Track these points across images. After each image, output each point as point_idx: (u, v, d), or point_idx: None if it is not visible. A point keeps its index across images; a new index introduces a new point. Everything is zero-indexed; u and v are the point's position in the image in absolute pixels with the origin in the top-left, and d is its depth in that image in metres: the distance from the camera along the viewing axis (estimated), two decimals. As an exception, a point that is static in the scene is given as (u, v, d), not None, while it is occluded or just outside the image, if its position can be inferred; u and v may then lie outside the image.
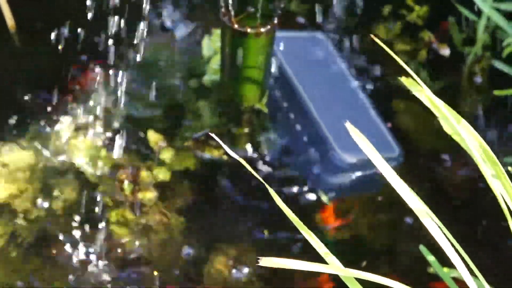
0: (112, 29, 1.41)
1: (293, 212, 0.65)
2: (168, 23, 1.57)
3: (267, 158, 1.39)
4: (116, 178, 1.32)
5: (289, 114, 1.40)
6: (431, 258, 0.97)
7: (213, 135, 0.62)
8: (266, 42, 1.24)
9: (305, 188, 1.35)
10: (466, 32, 1.56)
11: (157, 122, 1.41)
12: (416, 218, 0.66)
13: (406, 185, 0.65)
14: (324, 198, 1.33)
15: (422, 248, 0.99)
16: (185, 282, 1.23)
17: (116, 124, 1.39)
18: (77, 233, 1.26)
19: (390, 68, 1.54)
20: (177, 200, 1.32)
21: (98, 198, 1.30)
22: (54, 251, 1.24)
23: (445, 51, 1.56)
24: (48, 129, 1.38)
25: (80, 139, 1.37)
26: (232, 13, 1.21)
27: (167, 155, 1.37)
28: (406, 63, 1.54)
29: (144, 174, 1.33)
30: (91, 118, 1.40)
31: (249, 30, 1.21)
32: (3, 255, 1.23)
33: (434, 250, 0.96)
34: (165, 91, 1.47)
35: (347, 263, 0.70)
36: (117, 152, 1.36)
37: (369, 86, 1.48)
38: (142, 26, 1.53)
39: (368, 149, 0.63)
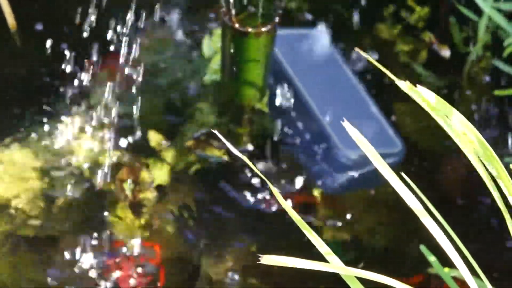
0: (111, 29, 1.42)
1: (296, 210, 0.65)
2: (168, 21, 1.57)
3: (269, 157, 1.39)
4: (117, 178, 1.32)
5: (290, 112, 1.40)
6: (431, 258, 0.97)
7: (216, 132, 0.62)
8: (267, 41, 1.24)
9: (309, 185, 1.36)
10: (466, 32, 1.56)
11: (158, 122, 1.41)
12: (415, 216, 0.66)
13: (403, 183, 0.65)
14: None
15: (423, 248, 0.99)
16: (185, 281, 1.23)
17: (117, 124, 1.39)
18: (77, 233, 1.26)
19: (391, 67, 1.54)
20: (178, 200, 1.32)
21: (98, 198, 1.30)
22: (54, 251, 1.24)
23: (446, 52, 1.56)
24: (49, 129, 1.39)
25: (81, 138, 1.37)
26: (233, 12, 1.21)
27: (167, 154, 1.37)
28: (407, 63, 1.55)
29: (144, 174, 1.33)
30: (92, 118, 1.40)
31: (249, 29, 1.21)
32: (4, 255, 1.24)
33: (434, 248, 0.96)
34: (166, 91, 1.47)
35: (348, 261, 0.70)
36: (118, 152, 1.36)
37: (369, 84, 1.48)
38: (142, 25, 1.54)
39: (366, 146, 0.63)
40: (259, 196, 1.33)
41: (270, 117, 1.42)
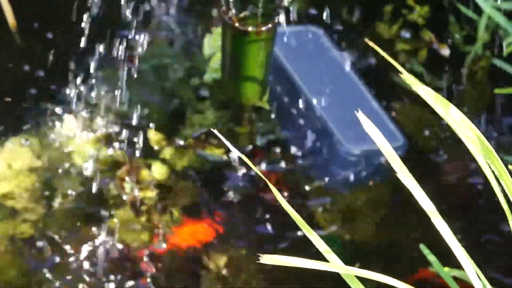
0: (111, 29, 1.42)
1: (299, 208, 0.65)
2: (169, 20, 1.58)
3: (271, 154, 1.39)
4: (117, 176, 1.32)
5: (291, 109, 1.40)
6: (431, 257, 0.97)
7: (215, 131, 0.62)
8: (267, 40, 1.24)
9: (312, 182, 1.36)
10: (466, 30, 1.56)
11: (158, 121, 1.41)
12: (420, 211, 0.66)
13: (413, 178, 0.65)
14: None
15: (422, 247, 0.99)
16: (186, 281, 1.23)
17: (117, 123, 1.40)
18: (77, 231, 1.26)
19: (389, 65, 1.54)
20: (178, 199, 1.32)
21: (99, 196, 1.30)
22: (54, 250, 1.24)
23: (445, 51, 1.56)
24: (49, 128, 1.39)
25: (81, 137, 1.37)
26: (233, 11, 1.21)
27: (167, 153, 1.37)
28: (406, 61, 1.54)
29: (144, 172, 1.33)
30: (92, 116, 1.40)
31: (250, 28, 1.21)
32: (3, 254, 1.24)
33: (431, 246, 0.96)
34: (166, 90, 1.47)
35: (348, 260, 0.70)
36: (118, 151, 1.36)
37: (369, 82, 1.48)
38: (142, 24, 1.54)
39: (379, 139, 0.63)
40: (259, 194, 1.33)
41: (271, 114, 1.42)
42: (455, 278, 0.95)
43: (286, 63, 1.41)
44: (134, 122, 1.39)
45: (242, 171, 1.36)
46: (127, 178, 1.32)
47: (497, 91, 1.41)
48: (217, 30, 1.47)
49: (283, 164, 1.38)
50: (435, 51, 1.56)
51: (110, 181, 1.32)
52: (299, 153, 1.39)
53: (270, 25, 1.22)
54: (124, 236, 1.26)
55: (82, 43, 1.42)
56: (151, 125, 1.39)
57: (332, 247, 0.67)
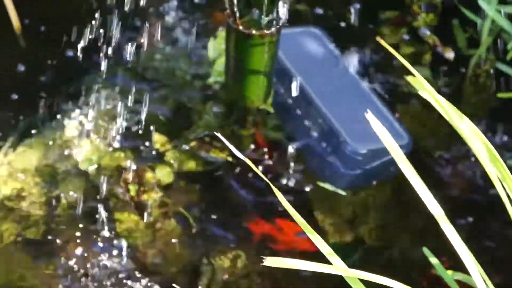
0: (115, 32, 1.42)
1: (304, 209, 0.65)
2: (173, 23, 1.58)
3: (276, 155, 1.39)
4: (122, 179, 1.32)
5: (296, 110, 1.40)
6: (434, 260, 0.97)
7: (219, 134, 0.62)
8: (271, 43, 1.24)
9: (318, 182, 1.35)
10: (470, 34, 1.56)
11: (162, 124, 1.41)
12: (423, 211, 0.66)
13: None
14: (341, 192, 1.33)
15: (425, 250, 0.99)
16: (188, 282, 1.23)
17: (121, 126, 1.39)
18: (82, 233, 1.26)
19: (395, 70, 1.54)
20: (181, 201, 1.32)
21: (104, 198, 1.30)
22: (58, 252, 1.24)
23: (450, 54, 1.56)
24: (53, 130, 1.39)
25: (86, 140, 1.37)
26: (237, 15, 1.21)
27: (171, 156, 1.37)
28: (411, 65, 1.54)
29: (148, 175, 1.33)
30: (96, 120, 1.40)
31: (254, 32, 1.21)
32: (7, 255, 1.24)
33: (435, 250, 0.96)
34: (170, 93, 1.47)
35: (351, 262, 0.70)
36: (123, 153, 1.36)
37: (372, 84, 1.48)
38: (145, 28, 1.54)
39: (387, 139, 0.63)
40: (263, 196, 1.33)
41: (276, 116, 1.42)
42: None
43: (288, 64, 1.41)
44: (139, 125, 1.39)
45: (246, 173, 1.36)
46: (131, 180, 1.32)
47: (500, 95, 1.41)
48: (222, 34, 1.47)
49: (287, 165, 1.38)
50: (439, 55, 1.56)
51: (115, 183, 1.32)
52: (304, 153, 1.39)
53: (273, 29, 1.22)
54: (128, 237, 1.26)
55: (86, 45, 1.42)
56: (156, 127, 1.40)
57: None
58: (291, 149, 1.39)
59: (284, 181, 1.35)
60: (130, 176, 1.32)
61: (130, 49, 1.46)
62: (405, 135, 1.34)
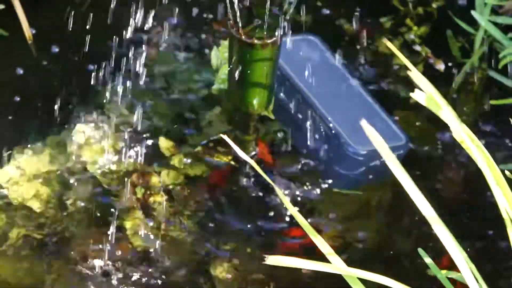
0: (122, 41, 1.42)
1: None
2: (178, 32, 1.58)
3: (280, 159, 1.40)
4: (129, 182, 1.32)
5: (297, 114, 1.41)
6: (428, 260, 0.97)
7: (225, 137, 0.63)
8: (272, 52, 1.24)
9: (321, 183, 1.36)
10: (464, 43, 1.56)
11: (168, 129, 1.41)
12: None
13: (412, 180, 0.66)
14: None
15: (420, 251, 0.99)
16: (194, 284, 1.23)
17: (128, 131, 1.40)
18: (90, 235, 1.26)
19: (391, 77, 1.55)
20: (187, 204, 1.32)
21: (111, 201, 1.30)
22: (68, 254, 1.24)
23: (441, 66, 1.56)
24: (63, 135, 1.39)
25: (94, 144, 1.37)
26: (240, 24, 1.21)
27: (177, 160, 1.37)
28: (404, 75, 1.55)
29: (155, 178, 1.34)
30: (104, 125, 1.40)
31: (256, 41, 1.21)
32: (17, 256, 1.24)
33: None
34: (175, 100, 1.47)
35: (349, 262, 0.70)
36: (130, 158, 1.36)
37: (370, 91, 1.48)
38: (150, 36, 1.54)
39: (381, 145, 0.65)
40: (267, 200, 1.34)
41: (277, 121, 1.42)
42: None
43: (288, 70, 1.41)
44: (145, 130, 1.39)
45: (249, 176, 1.36)
46: (138, 184, 1.33)
47: (492, 102, 1.42)
48: (224, 43, 1.47)
49: (290, 167, 1.39)
50: (431, 66, 1.57)
51: (122, 186, 1.32)
52: (306, 155, 1.40)
53: (275, 38, 1.22)
54: (134, 239, 1.27)
55: (95, 54, 1.42)
56: (162, 133, 1.40)
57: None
58: (293, 152, 1.40)
59: (287, 184, 1.36)
60: (137, 180, 1.33)
61: (137, 57, 1.46)
62: (402, 135, 1.35)
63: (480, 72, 1.51)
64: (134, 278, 1.22)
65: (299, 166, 1.39)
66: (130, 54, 1.45)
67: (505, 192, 0.67)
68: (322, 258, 0.73)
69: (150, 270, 1.24)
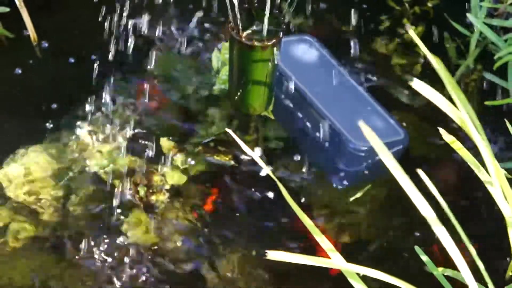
0: (126, 42, 1.42)
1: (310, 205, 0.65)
2: (180, 35, 1.58)
3: (281, 157, 1.40)
4: (131, 181, 1.33)
5: (297, 113, 1.41)
6: (425, 257, 0.97)
7: (230, 131, 0.63)
8: (272, 54, 1.24)
9: (324, 179, 1.37)
10: (458, 44, 1.57)
11: (170, 129, 1.41)
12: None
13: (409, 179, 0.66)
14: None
15: (417, 248, 0.99)
16: (195, 281, 1.23)
17: (131, 132, 1.40)
18: (92, 234, 1.27)
19: (386, 78, 1.55)
20: (188, 202, 1.33)
21: (114, 200, 1.30)
22: (70, 252, 1.25)
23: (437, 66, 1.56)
24: (67, 135, 1.39)
25: (97, 144, 1.38)
26: (240, 27, 1.21)
27: (178, 160, 1.38)
28: (402, 75, 1.55)
29: (157, 178, 1.34)
30: (107, 125, 1.40)
31: (256, 43, 1.21)
32: (22, 253, 1.24)
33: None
34: (177, 100, 1.47)
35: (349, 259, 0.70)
36: (132, 157, 1.37)
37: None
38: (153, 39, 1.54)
39: (379, 146, 0.65)
40: (267, 196, 1.34)
41: (277, 120, 1.43)
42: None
43: (287, 70, 1.41)
44: (147, 130, 1.40)
45: (248, 175, 1.37)
46: (141, 183, 1.33)
47: (487, 103, 1.42)
48: (225, 45, 1.48)
49: (292, 164, 1.39)
50: (429, 65, 1.57)
51: (125, 185, 1.32)
52: (308, 154, 1.40)
53: (274, 40, 1.22)
54: (137, 237, 1.27)
55: (99, 55, 1.42)
56: (163, 133, 1.40)
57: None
58: (294, 150, 1.40)
59: (289, 180, 1.37)
60: (139, 179, 1.33)
61: (140, 59, 1.47)
62: (401, 130, 1.36)
63: (476, 73, 1.51)
64: (135, 276, 1.23)
65: (301, 163, 1.39)
66: (132, 55, 1.45)
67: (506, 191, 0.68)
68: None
69: (151, 268, 1.24)
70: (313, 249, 1.03)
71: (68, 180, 1.33)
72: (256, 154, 0.58)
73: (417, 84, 0.66)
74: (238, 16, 1.19)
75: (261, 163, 0.60)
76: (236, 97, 1.33)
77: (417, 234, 1.30)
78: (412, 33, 0.67)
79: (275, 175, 0.70)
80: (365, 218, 1.34)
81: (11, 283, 1.20)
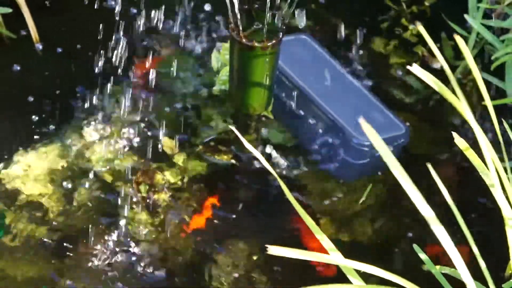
0: (128, 43, 1.42)
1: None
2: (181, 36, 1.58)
3: (283, 155, 1.40)
4: (133, 180, 1.33)
5: (299, 111, 1.42)
6: (423, 256, 0.97)
7: (233, 128, 0.63)
8: (272, 54, 1.24)
9: (329, 174, 1.38)
10: (457, 46, 1.57)
11: (172, 129, 1.41)
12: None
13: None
14: None
15: (415, 247, 0.99)
16: (196, 278, 1.24)
17: (133, 131, 1.40)
18: (95, 232, 1.27)
19: (384, 77, 1.56)
20: (189, 200, 1.33)
21: (116, 199, 1.31)
22: (73, 250, 1.25)
23: (437, 64, 1.57)
24: (70, 135, 1.39)
25: (101, 144, 1.38)
26: (240, 28, 1.21)
27: (179, 159, 1.38)
28: (400, 75, 1.55)
29: (158, 176, 1.35)
30: (110, 125, 1.41)
31: (256, 44, 1.21)
32: (24, 255, 1.24)
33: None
34: (178, 101, 1.48)
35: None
36: (134, 157, 1.37)
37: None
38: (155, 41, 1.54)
39: (378, 142, 0.65)
40: (268, 194, 1.35)
41: (280, 119, 1.43)
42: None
43: (287, 69, 1.42)
44: (149, 130, 1.40)
45: (248, 173, 1.37)
46: (142, 182, 1.33)
47: (485, 103, 1.42)
48: (226, 45, 1.48)
49: (294, 162, 1.40)
50: (427, 65, 1.57)
51: (127, 184, 1.33)
52: (311, 150, 1.41)
53: (274, 40, 1.22)
54: (139, 235, 1.27)
55: (101, 55, 1.42)
56: (165, 133, 1.40)
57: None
58: (296, 148, 1.41)
59: (291, 179, 1.37)
60: (141, 177, 1.34)
61: (141, 59, 1.47)
62: (402, 125, 1.36)
63: (473, 73, 1.51)
64: (137, 274, 1.23)
65: (303, 161, 1.40)
66: (133, 55, 1.45)
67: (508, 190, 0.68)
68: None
69: (153, 266, 1.24)
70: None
71: (70, 179, 1.34)
72: (256, 152, 0.58)
73: (416, 70, 0.66)
74: (238, 17, 1.19)
75: (262, 160, 0.60)
76: (236, 97, 1.33)
77: (417, 232, 1.30)
78: (422, 28, 0.68)
79: (277, 173, 0.70)
80: (365, 216, 1.34)
81: (15, 282, 1.20)
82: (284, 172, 1.38)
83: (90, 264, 1.23)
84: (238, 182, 1.37)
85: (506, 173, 0.80)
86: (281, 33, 1.22)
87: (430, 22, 1.63)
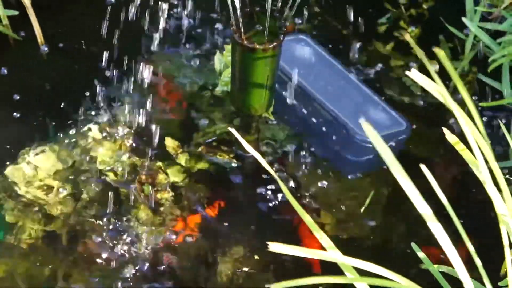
0: (130, 44, 1.42)
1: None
2: (184, 38, 1.59)
3: (284, 155, 1.41)
4: (137, 180, 1.34)
5: (301, 109, 1.42)
6: (421, 254, 0.98)
7: (232, 130, 0.64)
8: (273, 56, 1.24)
9: (332, 170, 1.38)
10: (455, 48, 1.57)
11: (174, 129, 1.42)
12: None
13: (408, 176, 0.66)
14: None
15: (414, 245, 0.99)
16: (198, 278, 1.24)
17: (136, 131, 1.41)
18: (100, 231, 1.27)
19: (384, 78, 1.56)
20: (192, 200, 1.34)
21: (120, 198, 1.31)
22: (79, 249, 1.25)
23: (435, 67, 1.57)
24: (74, 134, 1.40)
25: (104, 143, 1.38)
26: (242, 30, 1.22)
27: (182, 159, 1.39)
28: (399, 76, 1.55)
29: (161, 176, 1.35)
30: (113, 125, 1.41)
31: (257, 46, 1.22)
32: (31, 254, 1.25)
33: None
34: (181, 101, 1.48)
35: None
36: (138, 157, 1.37)
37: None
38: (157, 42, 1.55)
39: (378, 141, 0.66)
40: (269, 194, 1.35)
41: (280, 118, 1.43)
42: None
43: (288, 69, 1.42)
44: (152, 130, 1.40)
45: (250, 173, 1.38)
46: (146, 181, 1.34)
47: (482, 104, 1.43)
48: (228, 47, 1.48)
49: (295, 162, 1.40)
50: (425, 67, 1.57)
51: (130, 183, 1.33)
52: (315, 148, 1.41)
53: (275, 43, 1.22)
54: (142, 234, 1.28)
55: (104, 57, 1.43)
56: (168, 133, 1.41)
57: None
58: (297, 147, 1.41)
59: (291, 178, 1.38)
60: (144, 177, 1.34)
61: (143, 60, 1.47)
62: (403, 121, 1.37)
63: (471, 75, 1.52)
64: (139, 273, 1.23)
65: (303, 161, 1.40)
66: (135, 56, 1.45)
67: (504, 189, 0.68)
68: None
69: (155, 265, 1.25)
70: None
71: (74, 179, 1.34)
72: (257, 152, 0.59)
73: (415, 74, 0.66)
74: (240, 19, 1.20)
75: (262, 161, 0.61)
76: (238, 99, 1.33)
77: (416, 231, 1.31)
78: (409, 37, 0.68)
79: (277, 174, 0.70)
80: (365, 214, 1.35)
81: (20, 280, 1.21)
82: (284, 171, 1.39)
83: (93, 263, 1.24)
84: (240, 182, 1.37)
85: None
86: (282, 35, 1.23)
87: (428, 25, 1.63)
